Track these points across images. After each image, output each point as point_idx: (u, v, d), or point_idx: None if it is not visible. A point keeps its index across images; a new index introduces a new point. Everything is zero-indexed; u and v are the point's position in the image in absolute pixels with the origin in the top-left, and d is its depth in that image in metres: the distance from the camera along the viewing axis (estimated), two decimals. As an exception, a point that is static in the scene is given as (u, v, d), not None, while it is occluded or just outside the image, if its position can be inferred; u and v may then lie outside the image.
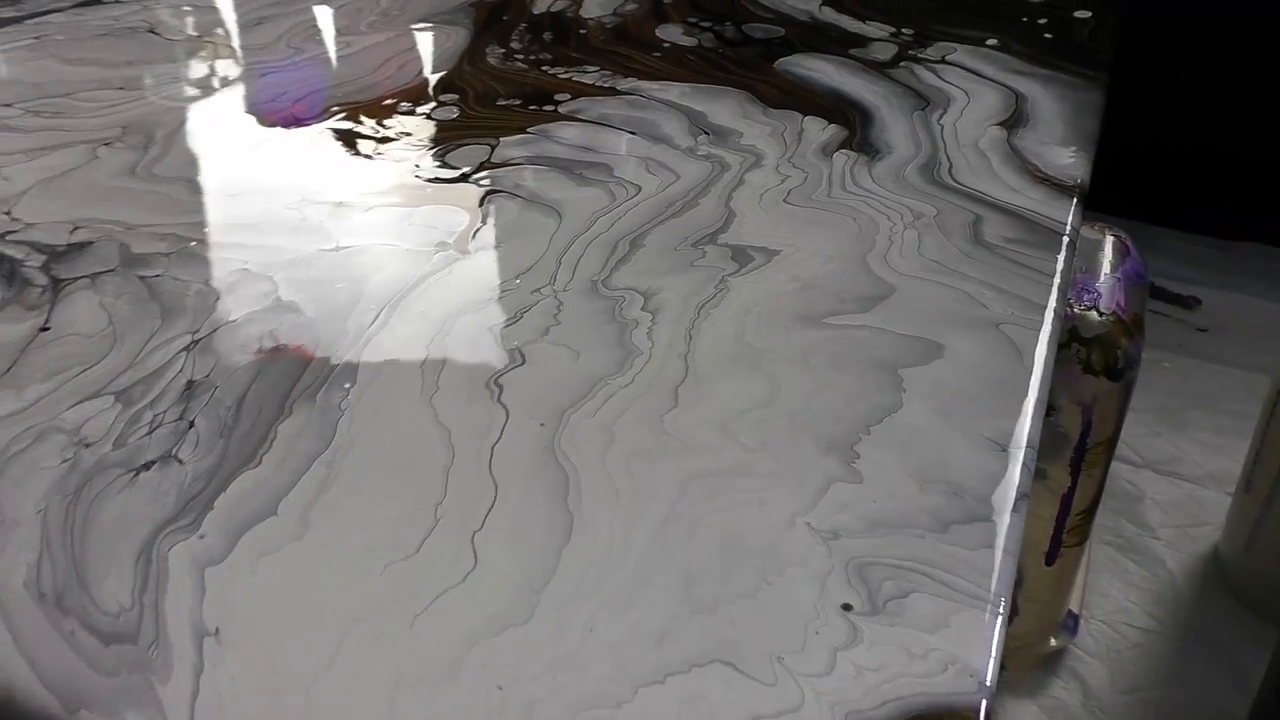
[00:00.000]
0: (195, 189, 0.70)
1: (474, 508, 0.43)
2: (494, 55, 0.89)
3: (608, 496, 0.44)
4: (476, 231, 0.63)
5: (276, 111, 0.81)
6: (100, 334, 0.55)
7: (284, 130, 0.78)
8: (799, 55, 0.87)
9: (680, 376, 0.50)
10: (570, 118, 0.76)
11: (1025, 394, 0.49)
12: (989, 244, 0.60)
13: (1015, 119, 0.75)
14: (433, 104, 0.80)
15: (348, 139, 0.76)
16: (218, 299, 0.58)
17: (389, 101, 0.81)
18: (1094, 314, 0.73)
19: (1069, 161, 0.69)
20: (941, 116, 0.75)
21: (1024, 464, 0.45)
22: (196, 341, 0.54)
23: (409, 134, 0.76)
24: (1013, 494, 0.43)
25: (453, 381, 0.51)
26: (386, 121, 0.78)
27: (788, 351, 0.52)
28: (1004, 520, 0.42)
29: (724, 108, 0.77)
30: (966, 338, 0.52)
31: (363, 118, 0.78)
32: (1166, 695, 1.07)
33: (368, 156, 0.73)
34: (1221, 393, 1.46)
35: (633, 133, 0.74)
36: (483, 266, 0.60)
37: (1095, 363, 0.71)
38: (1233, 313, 1.64)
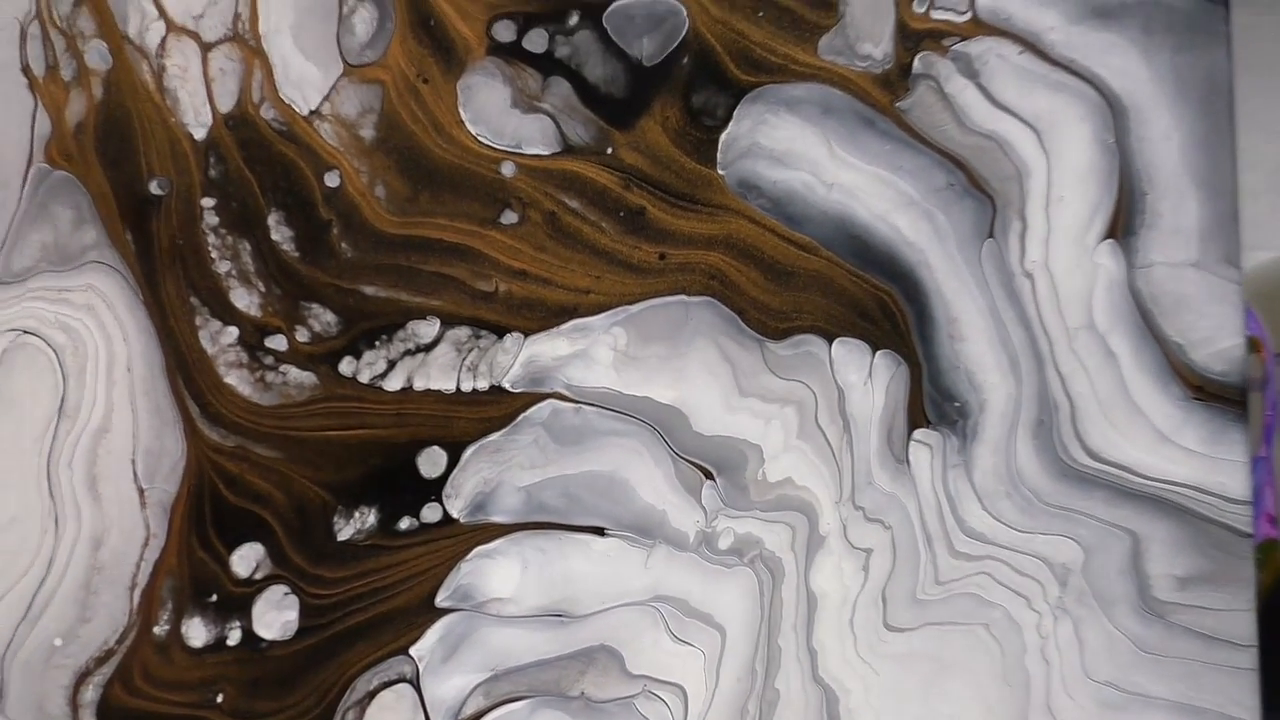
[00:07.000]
0: None
1: None
2: (231, 364, 0.46)
3: None
4: None
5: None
6: None
7: None
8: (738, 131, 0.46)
9: None
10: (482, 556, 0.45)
11: None
12: (1161, 606, 0.46)
13: (1127, 212, 0.46)
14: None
15: None
16: None
17: None
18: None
19: (1228, 319, 0.46)
20: (1023, 245, 0.46)
21: None
22: None
23: None
24: None
25: None
26: None
27: None
28: None
29: (700, 371, 0.46)
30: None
31: None
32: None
33: None
34: None
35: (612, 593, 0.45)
36: None
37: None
38: None
